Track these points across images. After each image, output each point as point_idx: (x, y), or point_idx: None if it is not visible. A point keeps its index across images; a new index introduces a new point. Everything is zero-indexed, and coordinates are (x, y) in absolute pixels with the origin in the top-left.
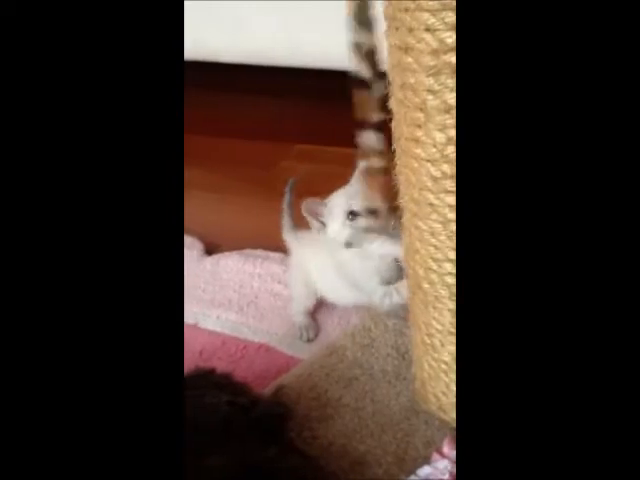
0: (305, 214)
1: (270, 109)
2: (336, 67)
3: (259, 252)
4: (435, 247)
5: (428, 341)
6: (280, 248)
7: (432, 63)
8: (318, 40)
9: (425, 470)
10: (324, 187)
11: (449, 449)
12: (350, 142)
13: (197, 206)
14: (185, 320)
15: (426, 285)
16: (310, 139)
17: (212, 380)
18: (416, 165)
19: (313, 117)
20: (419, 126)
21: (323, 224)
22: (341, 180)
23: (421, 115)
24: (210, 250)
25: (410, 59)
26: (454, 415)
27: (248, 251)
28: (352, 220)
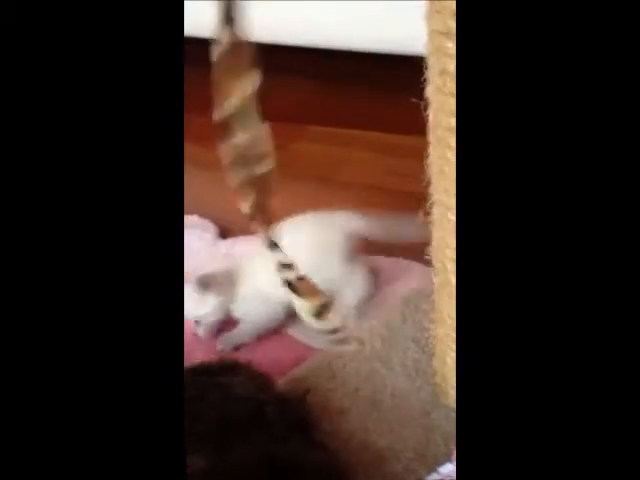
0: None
1: (282, 89)
2: (350, 47)
3: None
4: None
5: (452, 335)
6: None
7: None
8: (333, 20)
9: (447, 467)
10: (336, 170)
11: None
12: (365, 124)
13: (211, 188)
14: None
15: (454, 279)
16: (323, 121)
17: (238, 371)
18: (450, 156)
19: (327, 98)
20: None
21: None
22: (354, 163)
23: None
24: (224, 234)
25: (451, 44)
26: None
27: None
28: None
